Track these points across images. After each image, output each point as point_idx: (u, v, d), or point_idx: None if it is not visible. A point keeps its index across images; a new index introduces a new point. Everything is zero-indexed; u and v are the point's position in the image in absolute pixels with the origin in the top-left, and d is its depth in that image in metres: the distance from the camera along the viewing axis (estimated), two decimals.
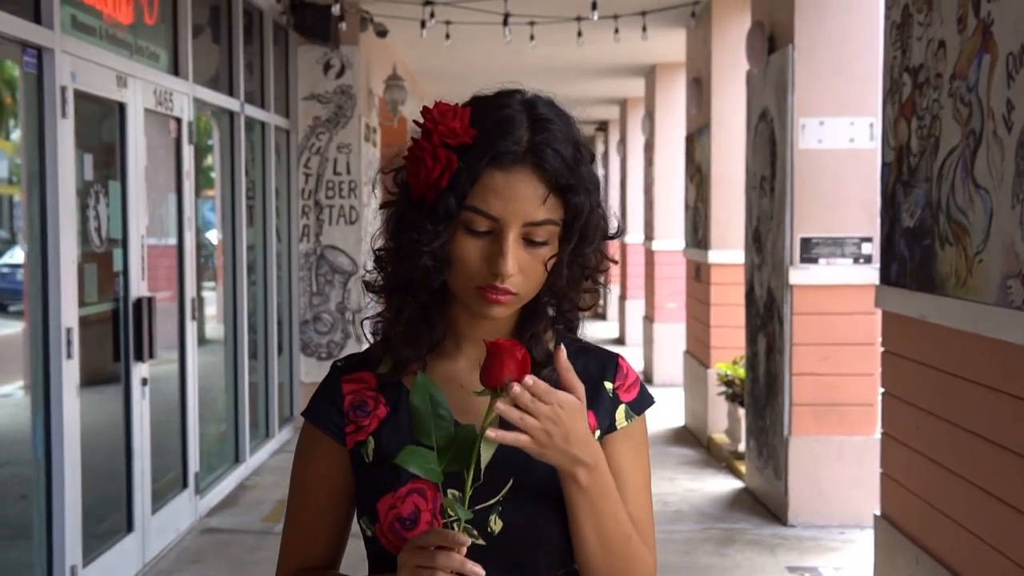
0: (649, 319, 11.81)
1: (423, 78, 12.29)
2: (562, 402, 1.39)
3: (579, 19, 8.03)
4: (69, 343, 4.41)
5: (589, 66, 11.59)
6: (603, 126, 18.66)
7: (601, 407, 1.54)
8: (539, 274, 1.45)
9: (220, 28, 6.90)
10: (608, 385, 1.56)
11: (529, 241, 1.43)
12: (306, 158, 8.40)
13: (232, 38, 6.91)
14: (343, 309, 8.46)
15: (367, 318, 1.56)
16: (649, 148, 11.85)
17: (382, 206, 1.52)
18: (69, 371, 4.42)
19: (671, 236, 11.21)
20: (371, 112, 8.90)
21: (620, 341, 14.70)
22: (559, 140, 1.43)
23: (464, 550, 1.33)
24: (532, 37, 8.35)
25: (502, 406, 1.34)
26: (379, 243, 1.52)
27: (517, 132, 1.43)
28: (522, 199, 1.41)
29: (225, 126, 6.94)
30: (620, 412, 1.55)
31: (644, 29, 8.22)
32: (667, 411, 9.81)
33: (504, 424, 1.37)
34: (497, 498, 1.45)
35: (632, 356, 12.99)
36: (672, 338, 11.11)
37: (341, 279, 8.46)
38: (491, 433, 1.33)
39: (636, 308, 14.07)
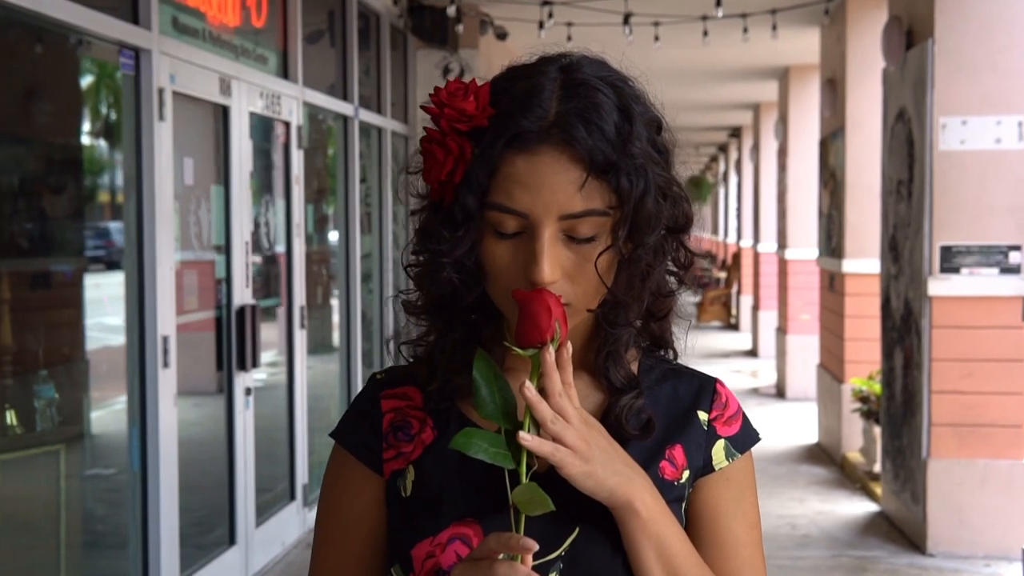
0: (782, 331, 11.38)
1: None
2: (586, 417, 1.15)
3: (705, 18, 7.71)
4: (166, 352, 4.30)
5: (719, 69, 11.23)
6: (736, 132, 18.20)
7: (692, 442, 1.26)
8: (592, 277, 1.17)
9: (335, 32, 6.79)
10: (702, 415, 1.28)
11: (572, 238, 1.16)
12: None
13: (347, 42, 6.80)
14: None
15: (405, 343, 1.29)
16: (782, 154, 11.44)
17: (412, 214, 1.26)
18: (166, 380, 4.31)
19: (805, 245, 10.79)
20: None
21: (753, 353, 14.24)
22: (599, 108, 1.15)
23: (530, 558, 1.09)
24: (656, 38, 8.06)
25: (531, 391, 1.09)
26: (411, 257, 1.27)
27: (544, 104, 1.15)
28: (553, 187, 1.13)
29: (339, 131, 6.83)
30: (718, 449, 1.27)
31: (774, 28, 7.86)
32: (800, 427, 9.40)
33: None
34: (559, 551, 1.18)
35: (764, 369, 12.56)
36: (806, 351, 10.68)
37: None
38: (527, 438, 1.08)
39: (769, 319, 13.60)
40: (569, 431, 1.12)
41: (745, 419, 1.31)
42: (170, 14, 4.46)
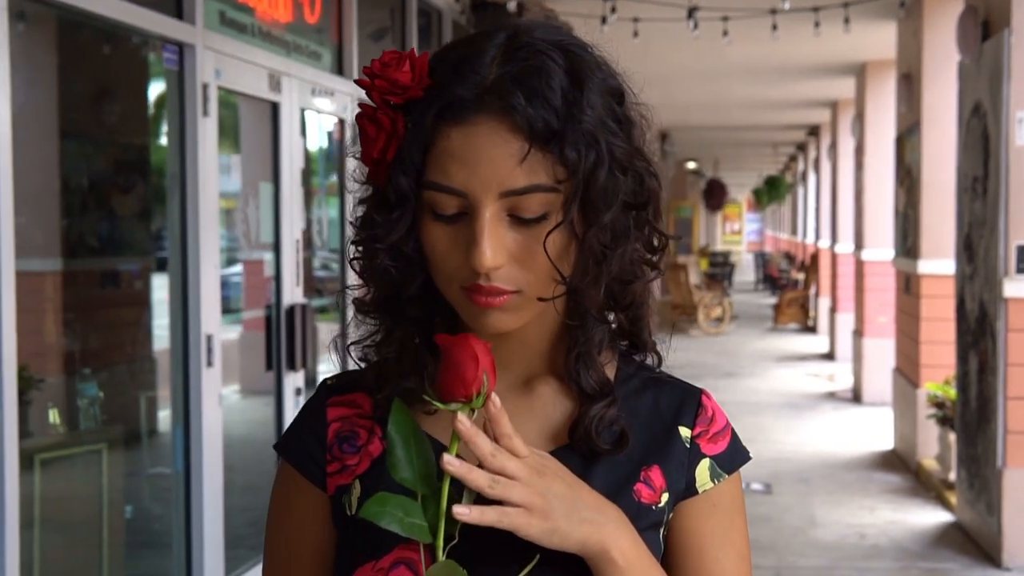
0: (859, 333, 11.09)
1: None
2: (543, 454, 1.03)
3: (774, 12, 7.50)
4: (210, 351, 4.24)
5: (793, 65, 10.98)
6: (815, 130, 17.85)
7: (672, 461, 1.13)
8: (544, 261, 1.04)
9: (394, 28, 6.72)
10: (685, 432, 1.15)
11: (518, 219, 1.03)
12: None
13: (406, 38, 6.72)
14: None
15: (353, 343, 1.16)
16: (859, 152, 11.16)
17: (360, 203, 1.13)
18: (210, 379, 4.26)
19: (882, 245, 10.50)
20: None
21: (830, 356, 13.93)
22: (543, 72, 1.02)
23: None
24: (725, 33, 7.87)
25: (455, 464, 0.97)
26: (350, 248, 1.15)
27: (481, 69, 1.03)
28: (491, 161, 1.01)
29: None
30: (702, 469, 1.14)
31: (846, 22, 7.62)
32: (875, 433, 9.15)
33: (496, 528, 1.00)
34: None
35: (841, 373, 12.26)
36: (883, 354, 10.39)
37: None
38: (462, 512, 0.96)
39: (846, 322, 13.28)
40: (515, 489, 0.99)
41: (734, 436, 1.18)
42: (217, 9, 4.41)
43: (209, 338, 4.24)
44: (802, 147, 21.45)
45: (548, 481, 1.01)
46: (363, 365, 1.16)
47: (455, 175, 1.02)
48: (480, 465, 0.99)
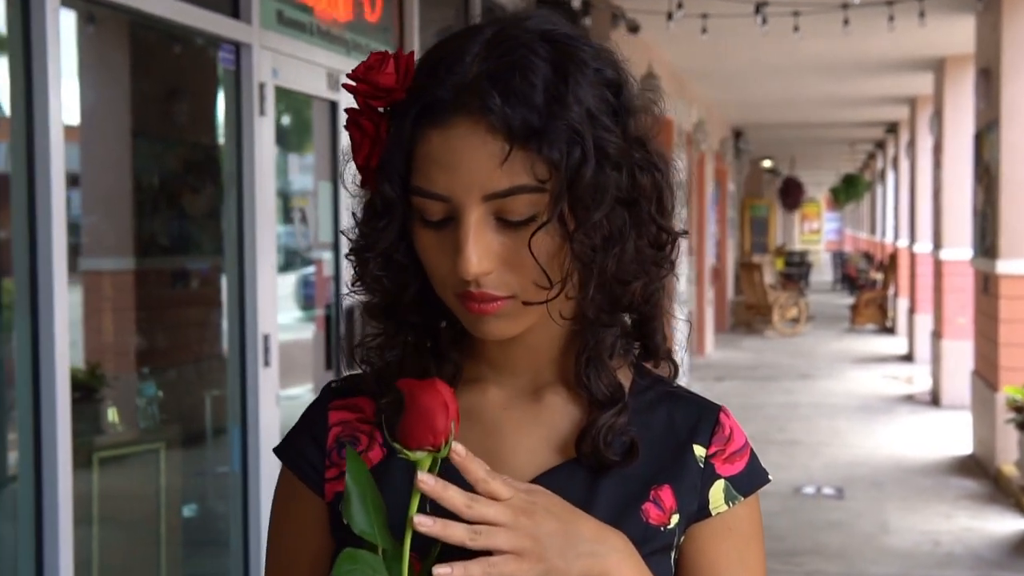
0: (937, 335, 10.84)
1: (690, 78, 11.78)
2: (532, 487, 0.98)
3: (845, 7, 7.34)
4: (267, 350, 4.24)
5: (868, 61, 10.76)
6: (893, 128, 17.51)
7: (684, 481, 1.07)
8: (535, 268, 0.99)
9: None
10: (699, 451, 1.09)
11: (506, 221, 0.98)
12: None
13: None
14: None
15: (357, 345, 1.12)
16: (937, 149, 10.92)
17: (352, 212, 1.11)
18: (267, 379, 4.25)
19: (961, 245, 10.25)
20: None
21: (908, 358, 13.64)
22: (523, 67, 0.96)
23: None
24: (796, 28, 7.73)
25: (427, 524, 0.92)
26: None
27: (461, 69, 0.98)
28: (471, 164, 0.96)
29: None
30: (716, 491, 1.09)
31: (922, 15, 7.43)
32: (953, 437, 8.93)
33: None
34: None
35: (920, 375, 12.00)
36: (962, 356, 10.14)
37: None
38: (443, 570, 0.92)
39: (925, 323, 13.00)
40: (500, 536, 0.94)
41: (752, 456, 1.11)
42: (274, 9, 4.40)
43: (266, 338, 4.24)
44: (881, 145, 21.07)
45: (538, 519, 0.96)
46: (367, 368, 1.12)
47: (437, 179, 0.98)
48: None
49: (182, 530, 4.62)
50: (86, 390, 5.27)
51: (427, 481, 0.94)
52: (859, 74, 11.64)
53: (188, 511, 4.80)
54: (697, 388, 10.17)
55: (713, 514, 1.08)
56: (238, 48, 4.13)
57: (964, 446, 8.55)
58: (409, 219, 1.02)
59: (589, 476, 1.06)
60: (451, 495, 0.94)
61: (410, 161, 0.99)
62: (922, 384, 11.59)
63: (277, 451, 1.15)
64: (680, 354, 1.16)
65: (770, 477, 1.13)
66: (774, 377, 12.56)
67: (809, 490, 7.40)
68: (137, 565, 4.35)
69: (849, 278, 23.79)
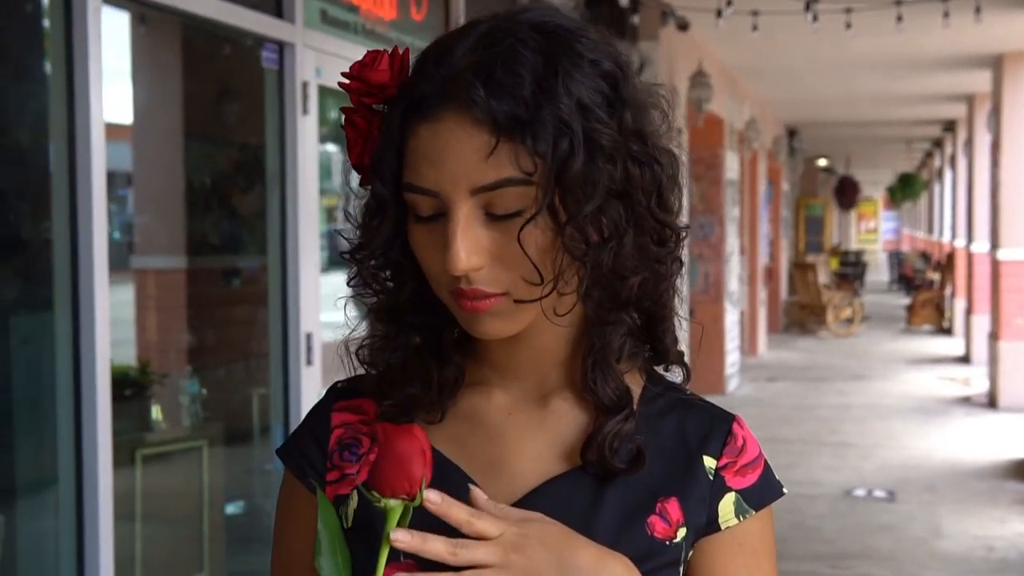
0: (995, 336, 10.66)
1: (742, 76, 11.68)
2: (526, 516, 0.96)
3: (898, 3, 7.23)
4: (309, 349, 4.24)
5: (923, 58, 10.60)
6: (950, 126, 17.25)
7: (692, 494, 1.04)
8: (532, 260, 0.96)
9: None
10: (709, 462, 1.06)
11: (495, 216, 0.96)
12: None
13: None
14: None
15: (360, 347, 1.09)
16: (995, 148, 10.73)
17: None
18: (309, 377, 4.26)
19: (1018, 244, 10.08)
20: (674, 112, 8.41)
21: (965, 360, 13.42)
22: (510, 59, 0.94)
23: None
24: (848, 25, 7.62)
25: (403, 538, 0.92)
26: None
27: (450, 62, 0.97)
28: (457, 157, 0.95)
29: None
30: (726, 504, 1.05)
31: (978, 11, 7.30)
32: (1010, 441, 8.77)
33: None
34: None
35: (976, 377, 11.81)
36: (1019, 358, 9.99)
37: None
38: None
39: (983, 324, 12.80)
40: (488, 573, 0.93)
41: (766, 469, 1.08)
42: (318, 8, 4.41)
43: (308, 336, 4.24)
44: (938, 143, 20.78)
45: (530, 553, 0.94)
46: (370, 370, 1.10)
47: (426, 174, 0.96)
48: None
49: (225, 527, 4.64)
50: (137, 387, 5.33)
51: (402, 539, 0.92)
52: (914, 71, 11.47)
53: (232, 508, 4.82)
54: (748, 389, 10.08)
55: (722, 528, 1.04)
56: (281, 47, 4.15)
57: (1021, 449, 8.40)
58: (403, 217, 1.00)
59: (594, 485, 1.03)
60: (432, 547, 0.92)
61: (401, 157, 0.99)
62: (979, 386, 11.40)
63: (280, 451, 1.14)
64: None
65: (785, 490, 1.09)
66: (827, 378, 12.42)
67: (860, 493, 7.30)
68: (180, 562, 4.38)
69: (905, 278, 23.49)
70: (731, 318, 11.49)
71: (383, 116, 1.00)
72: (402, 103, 0.98)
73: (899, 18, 7.36)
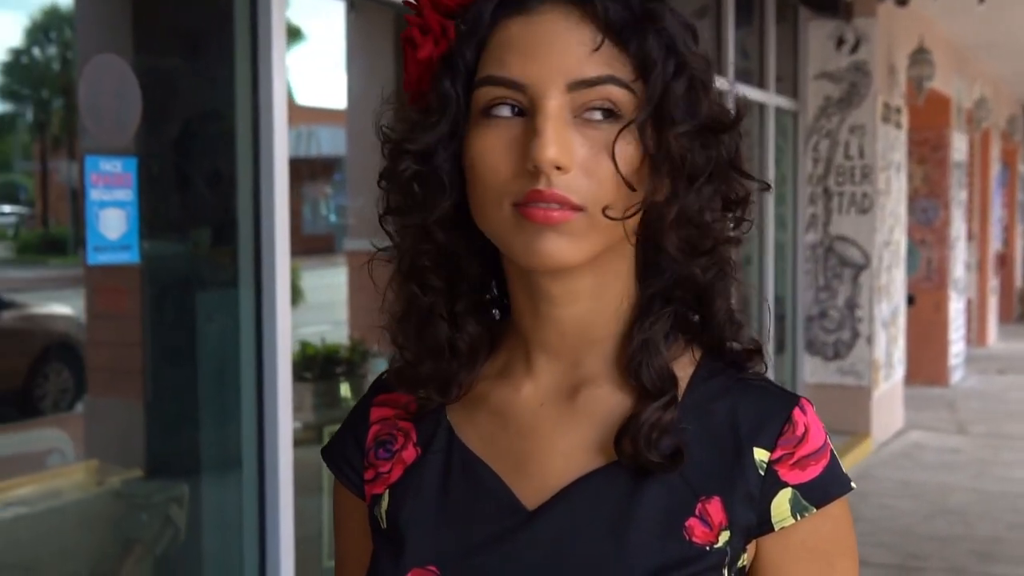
0: None
1: (971, 52, 11.06)
2: None
3: None
4: None
5: None
6: None
7: (738, 492, 0.93)
8: (612, 177, 0.88)
9: (707, 6, 6.51)
10: (760, 455, 0.94)
11: (586, 121, 0.88)
12: (815, 141, 7.76)
13: (721, 14, 6.50)
14: (852, 306, 7.74)
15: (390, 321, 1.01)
16: None
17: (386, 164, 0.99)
18: None
19: None
20: (892, 90, 8.05)
21: None
22: None
23: None
24: None
25: None
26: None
27: None
28: (556, 49, 0.88)
29: None
30: (781, 502, 0.93)
31: None
32: None
33: (523, 558, 0.91)
34: None
35: None
36: None
37: (851, 273, 7.73)
38: None
39: None
40: None
41: (832, 461, 0.95)
42: None
43: None
44: None
45: None
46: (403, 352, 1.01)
47: (515, 66, 0.89)
48: None
49: None
50: (348, 365, 5.48)
51: None
52: None
53: None
54: (974, 381, 9.60)
55: (776, 528, 0.93)
56: None
57: None
58: (461, 122, 0.91)
59: (630, 482, 0.93)
60: None
61: (479, 55, 0.91)
62: None
63: (323, 452, 1.09)
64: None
65: (853, 485, 0.96)
66: None
67: None
68: None
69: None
70: (956, 306, 10.94)
71: (466, 10, 0.93)
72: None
73: None
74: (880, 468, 7.25)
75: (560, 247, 0.88)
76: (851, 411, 7.66)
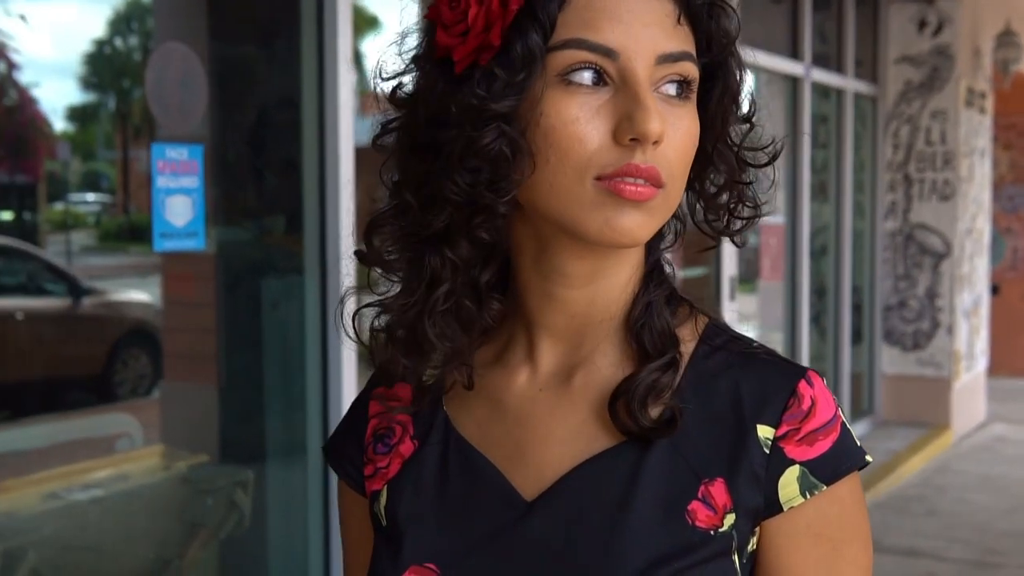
0: None
1: None
2: None
3: None
4: None
5: None
6: None
7: (741, 471, 0.88)
8: (688, 157, 0.88)
9: None
10: (764, 432, 0.89)
11: (664, 96, 0.86)
12: (895, 127, 7.61)
13: (799, 1, 6.40)
14: (932, 295, 7.58)
15: (367, 305, 0.96)
16: None
17: (381, 133, 0.93)
18: None
19: None
20: (976, 74, 7.85)
21: None
22: None
23: None
24: None
25: None
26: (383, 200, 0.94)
27: None
28: (647, 18, 0.85)
29: (788, 92, 6.43)
30: (789, 479, 0.88)
31: None
32: None
33: (523, 551, 0.89)
34: None
35: None
36: None
37: (931, 261, 7.57)
38: None
39: None
40: None
41: (844, 433, 0.90)
42: None
43: None
44: None
45: None
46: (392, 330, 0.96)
47: (606, 31, 0.84)
48: None
49: None
50: None
51: None
52: None
53: None
54: None
55: (785, 508, 0.88)
56: None
57: None
58: (539, 88, 0.84)
59: (630, 467, 0.89)
60: None
61: (559, 14, 0.85)
62: None
63: (324, 450, 1.07)
64: None
65: (869, 458, 0.91)
66: None
67: None
68: None
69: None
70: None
71: None
72: None
73: None
74: (960, 461, 7.10)
75: (640, 224, 0.86)
76: (930, 403, 7.52)
